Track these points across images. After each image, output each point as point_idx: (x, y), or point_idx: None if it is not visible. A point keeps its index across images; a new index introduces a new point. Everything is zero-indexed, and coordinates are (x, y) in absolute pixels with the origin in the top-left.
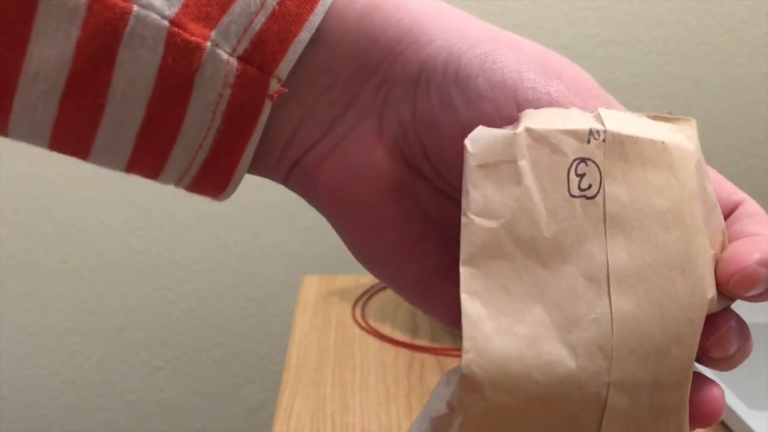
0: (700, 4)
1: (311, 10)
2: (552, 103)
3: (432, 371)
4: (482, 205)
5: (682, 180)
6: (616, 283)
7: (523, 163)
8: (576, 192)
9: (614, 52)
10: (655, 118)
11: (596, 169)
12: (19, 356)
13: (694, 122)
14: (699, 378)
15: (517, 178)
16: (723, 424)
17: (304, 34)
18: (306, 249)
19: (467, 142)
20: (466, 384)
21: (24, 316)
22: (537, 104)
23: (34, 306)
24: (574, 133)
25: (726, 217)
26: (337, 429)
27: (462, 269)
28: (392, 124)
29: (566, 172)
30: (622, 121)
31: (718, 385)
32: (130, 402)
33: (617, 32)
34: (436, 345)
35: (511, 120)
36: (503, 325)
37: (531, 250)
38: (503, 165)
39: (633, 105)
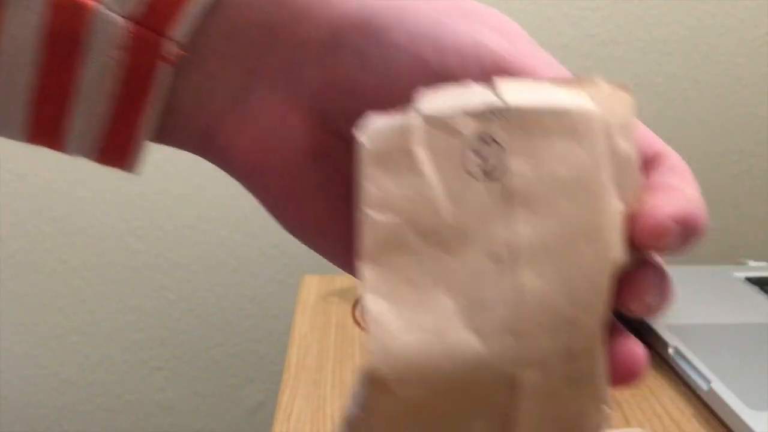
0: (700, 4)
1: None
2: (479, 49)
3: None
4: (379, 199)
5: (587, 145)
6: (522, 260)
7: (420, 150)
8: (478, 174)
9: (614, 51)
10: (558, 82)
11: (498, 147)
12: (19, 356)
13: (600, 80)
14: (619, 337)
15: (415, 166)
16: (723, 424)
17: None
18: (306, 249)
19: (359, 132)
20: (375, 385)
21: (24, 316)
22: (461, 51)
23: (34, 306)
24: (472, 113)
25: (647, 169)
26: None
27: (363, 268)
28: (308, 90)
29: (466, 154)
30: (522, 93)
31: (637, 341)
32: (130, 402)
33: (617, 32)
34: None
35: (436, 74)
36: (409, 320)
37: (434, 239)
38: (399, 154)
39: None
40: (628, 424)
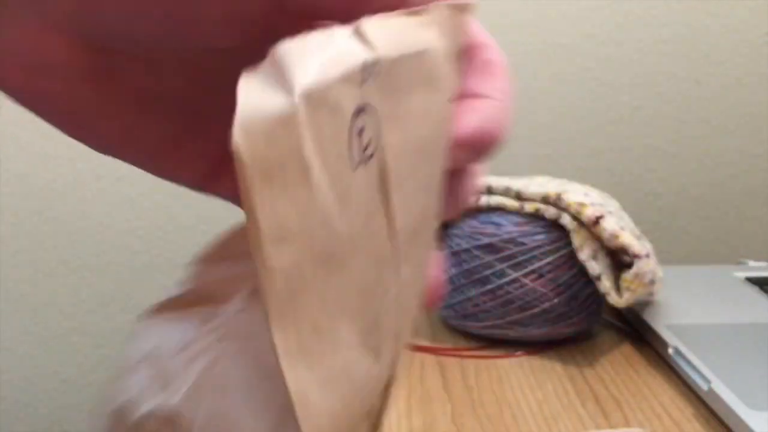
0: (700, 5)
1: None
2: None
3: (432, 371)
4: (276, 229)
5: (442, 88)
6: (401, 255)
7: (308, 147)
8: (358, 157)
9: (614, 52)
10: (410, 13)
11: (374, 115)
12: (19, 356)
13: (440, 4)
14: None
15: (305, 171)
16: (723, 423)
17: None
18: None
19: (239, 141)
20: None
21: (24, 316)
22: None
23: (34, 306)
24: (350, 78)
25: (464, 64)
26: None
27: (273, 331)
28: (56, 9)
29: (347, 136)
30: (387, 35)
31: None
32: None
33: (617, 32)
34: (436, 345)
35: None
36: (322, 377)
37: (331, 262)
38: (288, 160)
39: (633, 105)
40: (628, 424)
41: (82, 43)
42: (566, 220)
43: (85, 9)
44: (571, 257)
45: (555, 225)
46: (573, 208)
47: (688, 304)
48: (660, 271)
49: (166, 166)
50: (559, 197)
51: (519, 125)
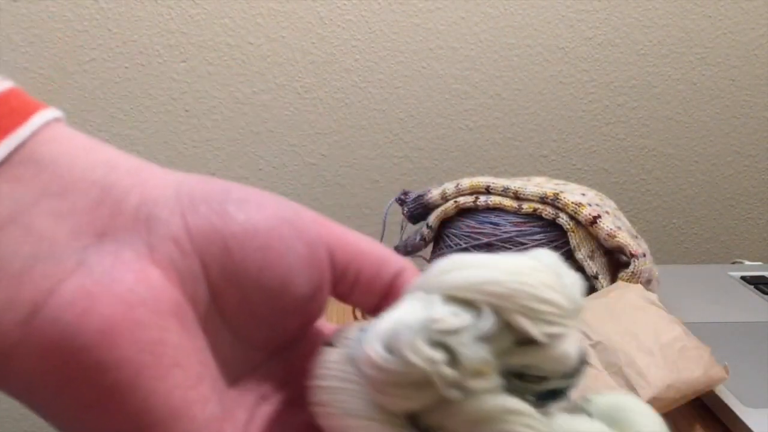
0: (696, 7)
1: (18, 123)
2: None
3: None
4: None
5: None
6: None
7: None
8: None
9: (611, 54)
10: None
11: None
12: None
13: None
14: None
15: None
16: (721, 423)
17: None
18: None
19: None
20: None
21: None
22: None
23: None
24: None
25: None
26: None
27: None
28: (165, 244)
29: None
30: None
31: None
32: None
33: (614, 34)
34: None
35: (290, 221)
36: None
37: None
38: None
39: (630, 106)
40: None
41: (178, 280)
42: (563, 219)
43: (194, 242)
44: (569, 257)
45: (552, 225)
46: (570, 208)
47: (683, 304)
48: (656, 271)
49: None
50: (556, 197)
51: (517, 126)
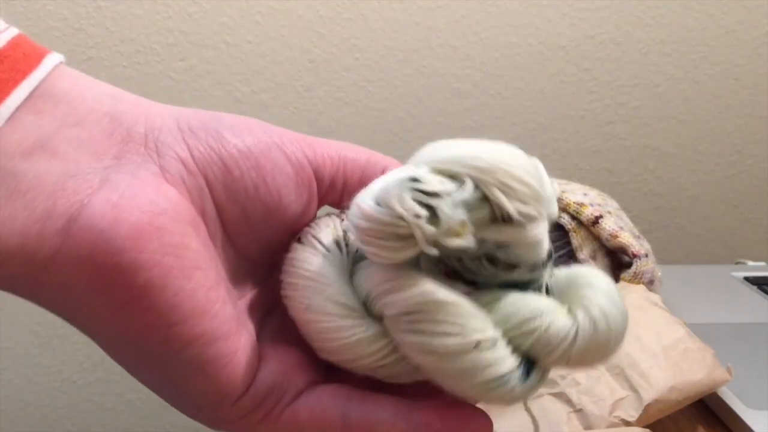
0: (698, 5)
1: (35, 65)
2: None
3: None
4: None
5: None
6: None
7: None
8: None
9: (613, 52)
10: None
11: None
12: (21, 356)
13: None
14: None
15: None
16: (722, 423)
17: (27, 84)
18: None
19: None
20: None
21: (25, 315)
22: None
23: (35, 306)
24: None
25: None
26: None
27: None
28: (174, 165)
29: None
30: None
31: None
32: (130, 401)
33: (616, 33)
34: None
35: (280, 136)
36: None
37: None
38: None
39: (632, 105)
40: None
41: (189, 197)
42: (565, 220)
43: (197, 164)
44: (571, 257)
45: (554, 225)
46: (572, 208)
47: (686, 304)
48: (659, 271)
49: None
50: (558, 197)
51: (518, 125)
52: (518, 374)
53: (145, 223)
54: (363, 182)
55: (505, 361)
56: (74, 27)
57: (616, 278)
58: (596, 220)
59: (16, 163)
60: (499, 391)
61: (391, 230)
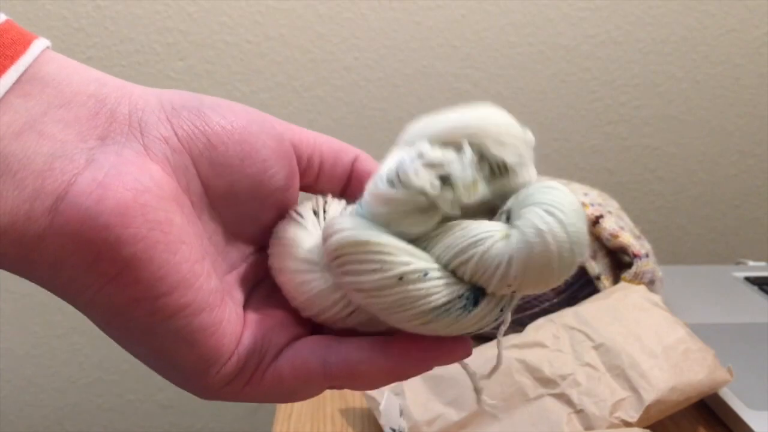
0: (699, 5)
1: (23, 50)
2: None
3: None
4: None
5: None
6: None
7: None
8: None
9: (614, 52)
10: None
11: None
12: (20, 356)
13: None
14: None
15: None
16: (723, 423)
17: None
18: None
19: None
20: None
21: (25, 316)
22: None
23: (35, 306)
24: None
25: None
26: (337, 429)
27: None
28: (157, 144)
29: None
30: None
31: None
32: (130, 401)
33: (617, 33)
34: None
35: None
36: None
37: None
38: None
39: (633, 105)
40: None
41: (173, 175)
42: None
43: (182, 142)
44: None
45: None
46: None
47: (687, 304)
48: (659, 271)
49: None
50: None
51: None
52: (461, 304)
53: (130, 200)
54: (336, 167)
55: (441, 291)
56: (74, 27)
57: (617, 278)
58: (597, 220)
59: (5, 144)
60: (440, 321)
61: (414, 205)
